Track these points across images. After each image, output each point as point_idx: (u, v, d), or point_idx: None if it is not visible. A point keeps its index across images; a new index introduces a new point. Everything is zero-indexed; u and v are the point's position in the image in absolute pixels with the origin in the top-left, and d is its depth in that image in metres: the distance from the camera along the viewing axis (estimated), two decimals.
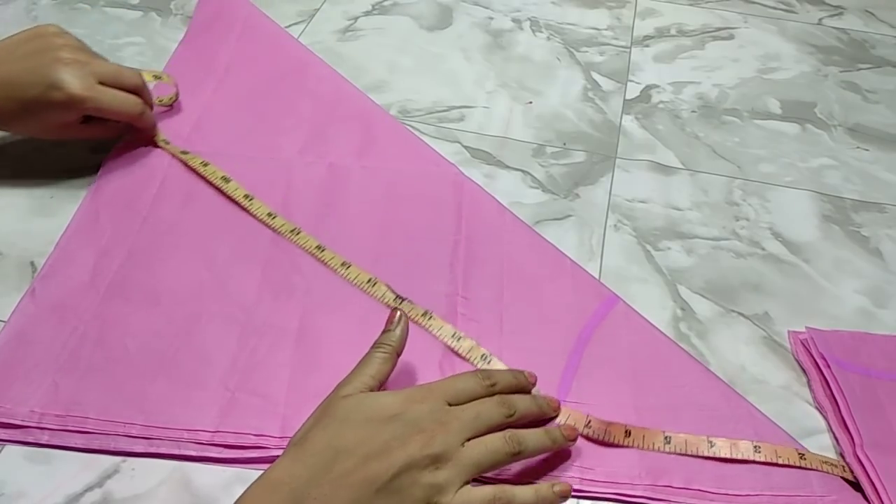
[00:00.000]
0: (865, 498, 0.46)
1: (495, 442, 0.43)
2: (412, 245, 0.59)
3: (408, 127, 0.70)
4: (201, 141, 0.66)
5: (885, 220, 0.64)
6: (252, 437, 0.47)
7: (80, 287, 0.54)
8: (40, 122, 0.59)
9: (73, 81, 0.57)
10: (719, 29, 0.85)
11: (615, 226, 0.63)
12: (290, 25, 0.81)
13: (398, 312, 0.48)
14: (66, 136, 0.61)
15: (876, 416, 0.49)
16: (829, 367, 0.52)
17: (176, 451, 0.46)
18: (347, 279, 0.55)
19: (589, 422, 0.48)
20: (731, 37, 0.84)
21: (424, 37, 0.81)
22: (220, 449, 0.47)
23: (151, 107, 0.64)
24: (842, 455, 0.49)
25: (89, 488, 0.45)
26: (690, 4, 0.88)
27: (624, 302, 0.55)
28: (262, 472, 0.41)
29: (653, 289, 0.58)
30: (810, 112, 0.74)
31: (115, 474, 0.46)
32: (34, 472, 0.46)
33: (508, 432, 0.44)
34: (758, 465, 0.47)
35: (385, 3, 0.85)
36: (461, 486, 0.41)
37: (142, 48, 0.77)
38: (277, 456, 0.43)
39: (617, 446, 0.47)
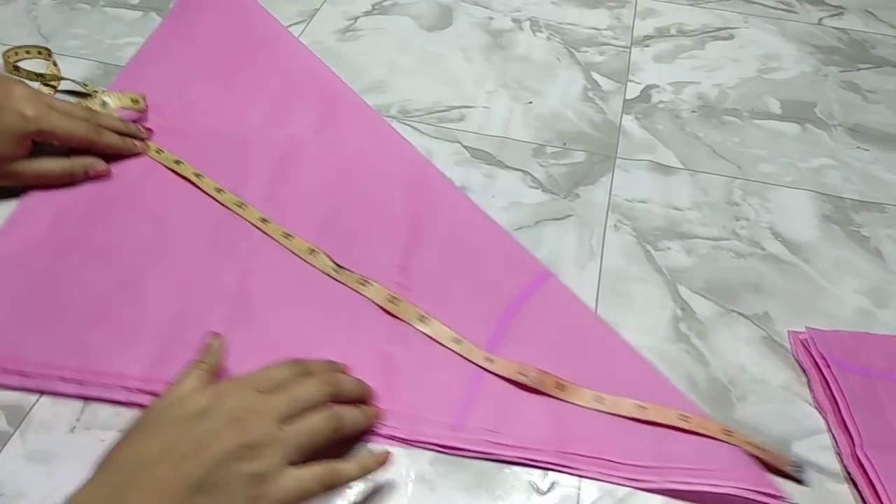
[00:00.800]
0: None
1: (315, 419, 0.42)
2: (358, 217, 0.61)
3: (408, 127, 0.70)
4: (169, 109, 0.69)
5: (885, 220, 0.64)
6: None
7: (35, 242, 0.57)
8: None
9: (26, 105, 0.58)
10: (719, 29, 0.85)
11: (615, 226, 0.63)
12: (290, 25, 0.81)
13: (216, 337, 0.47)
14: (12, 176, 0.59)
15: (876, 416, 0.49)
16: (829, 367, 0.52)
17: (105, 395, 0.49)
18: (289, 249, 0.58)
19: (524, 370, 0.50)
20: (731, 37, 0.84)
21: (424, 37, 0.81)
22: (148, 396, 0.49)
23: (125, 133, 0.64)
24: (839, 454, 0.49)
25: None
26: (690, 4, 0.88)
27: (556, 278, 0.57)
28: None
29: (653, 289, 0.58)
30: (810, 112, 0.74)
31: None
32: (34, 473, 0.46)
33: (329, 410, 0.43)
34: (664, 437, 0.48)
35: (385, 3, 0.85)
36: (284, 469, 0.40)
37: None
38: None
39: (548, 395, 0.50)
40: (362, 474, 0.43)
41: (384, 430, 0.48)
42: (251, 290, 0.55)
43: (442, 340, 0.53)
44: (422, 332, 0.53)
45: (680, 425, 0.48)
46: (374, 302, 0.54)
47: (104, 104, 0.66)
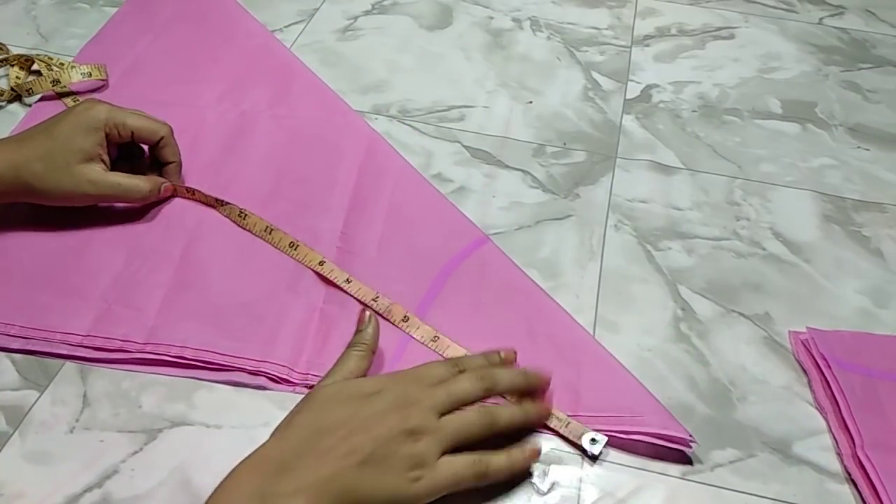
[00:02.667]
0: None
1: (470, 415, 0.46)
2: (305, 187, 0.63)
3: (408, 127, 0.70)
4: (127, 86, 0.71)
5: (885, 219, 0.64)
6: (118, 341, 0.52)
7: None
8: (64, 153, 0.56)
9: (98, 104, 0.58)
10: (720, 28, 0.84)
11: (615, 226, 0.62)
12: (289, 25, 0.81)
13: (367, 312, 0.51)
14: (82, 183, 0.57)
15: (876, 417, 0.49)
16: (829, 367, 0.52)
17: (48, 350, 0.52)
18: (246, 228, 0.60)
19: (377, 297, 0.55)
20: (731, 36, 0.83)
21: (424, 36, 0.81)
22: (89, 350, 0.52)
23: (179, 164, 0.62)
24: (839, 455, 0.49)
25: (89, 489, 0.45)
26: (691, 4, 0.88)
27: (492, 243, 0.59)
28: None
29: (653, 289, 0.58)
30: (811, 112, 0.74)
31: (115, 475, 0.46)
32: (34, 473, 0.46)
33: (484, 406, 0.47)
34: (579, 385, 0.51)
35: (385, 3, 0.85)
36: (440, 456, 0.44)
37: None
38: (140, 359, 0.51)
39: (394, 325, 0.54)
40: (511, 467, 0.46)
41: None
42: (194, 257, 0.58)
43: (364, 299, 0.55)
44: (347, 292, 0.56)
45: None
46: (303, 263, 0.57)
47: (56, 82, 0.69)
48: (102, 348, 0.52)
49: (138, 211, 0.60)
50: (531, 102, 0.74)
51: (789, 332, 0.56)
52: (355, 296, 0.55)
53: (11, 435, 0.48)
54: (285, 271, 0.57)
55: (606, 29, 0.83)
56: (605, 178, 0.66)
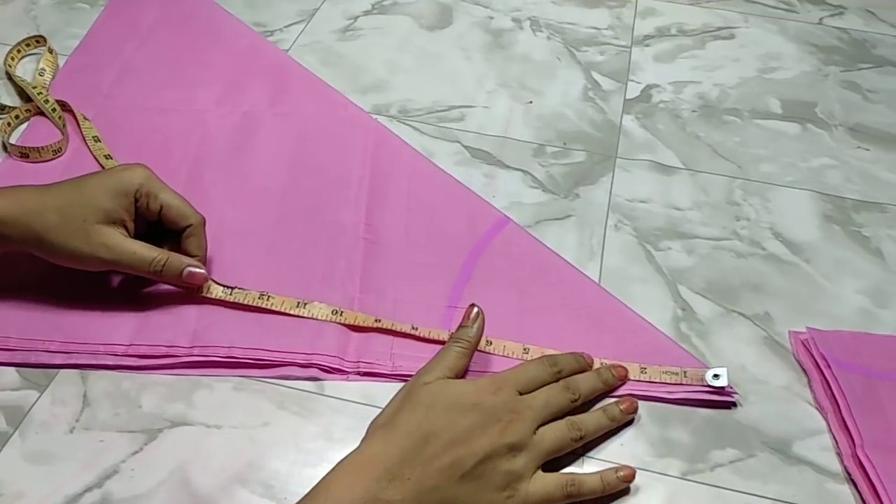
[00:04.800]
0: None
1: (561, 429, 0.47)
2: (319, 182, 0.63)
3: (408, 126, 0.70)
4: (120, 95, 0.70)
5: (885, 219, 0.64)
6: (164, 347, 0.52)
7: None
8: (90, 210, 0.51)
9: (138, 168, 0.53)
10: (720, 28, 0.84)
11: (615, 226, 0.62)
12: (289, 25, 0.81)
13: (475, 309, 0.51)
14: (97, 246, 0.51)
15: (876, 417, 0.49)
16: (829, 367, 0.52)
17: (94, 362, 0.51)
18: (273, 309, 0.54)
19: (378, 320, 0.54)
20: (731, 36, 0.83)
21: (424, 36, 0.81)
22: (135, 359, 0.51)
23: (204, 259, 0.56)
24: (839, 455, 0.49)
25: (89, 488, 0.45)
26: (691, 4, 0.88)
27: (514, 222, 0.60)
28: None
29: (653, 289, 0.58)
30: (811, 112, 0.74)
31: (115, 475, 0.46)
32: (34, 473, 0.46)
33: (571, 419, 0.47)
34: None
35: (385, 3, 0.85)
36: (535, 472, 0.45)
37: None
38: (188, 363, 0.51)
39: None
40: (603, 491, 0.46)
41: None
42: (222, 257, 0.57)
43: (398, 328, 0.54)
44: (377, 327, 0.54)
45: (682, 381, 0.52)
46: (317, 319, 0.54)
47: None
48: (149, 355, 0.52)
49: None
50: (531, 102, 0.74)
51: (789, 332, 0.55)
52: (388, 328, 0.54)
53: (11, 435, 0.48)
54: (317, 266, 0.57)
55: (606, 29, 0.83)
56: (605, 178, 0.66)
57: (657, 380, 0.51)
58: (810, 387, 0.52)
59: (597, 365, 0.52)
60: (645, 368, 0.52)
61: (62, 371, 0.51)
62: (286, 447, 0.48)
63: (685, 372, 0.51)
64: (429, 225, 0.60)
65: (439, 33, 0.82)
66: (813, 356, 0.53)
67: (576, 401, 0.48)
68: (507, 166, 0.67)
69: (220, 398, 0.50)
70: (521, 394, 0.47)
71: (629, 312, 0.55)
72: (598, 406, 0.50)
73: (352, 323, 0.53)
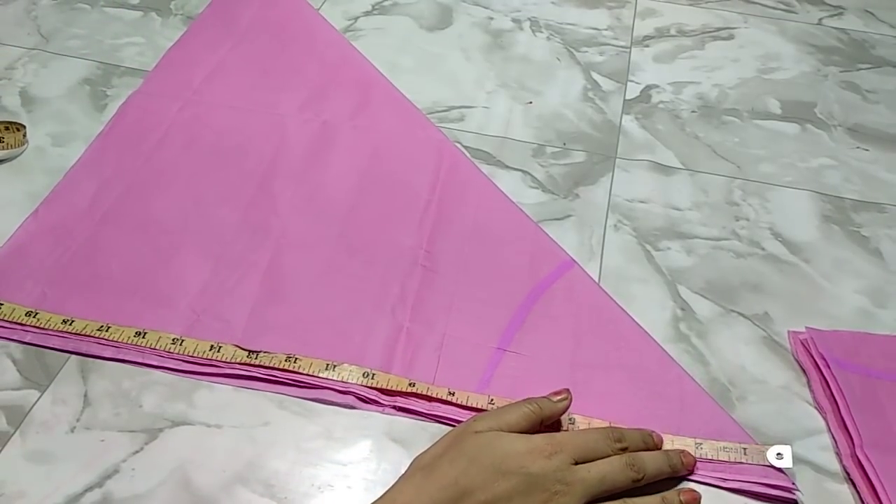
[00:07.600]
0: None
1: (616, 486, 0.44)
2: (386, 199, 0.63)
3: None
4: (209, 91, 0.72)
5: (884, 220, 0.64)
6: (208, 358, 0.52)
7: (78, 212, 0.60)
8: None
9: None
10: (719, 29, 0.85)
11: (615, 226, 0.63)
12: None
13: (568, 393, 0.48)
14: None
15: (876, 416, 0.49)
16: (828, 367, 0.52)
17: (139, 359, 0.51)
18: (300, 371, 0.51)
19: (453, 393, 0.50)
20: (731, 37, 0.83)
21: (424, 37, 0.81)
22: (178, 361, 0.51)
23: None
24: (839, 455, 0.49)
25: (89, 488, 0.45)
26: (690, 4, 0.88)
27: (579, 266, 0.58)
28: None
29: (653, 289, 0.58)
30: (810, 112, 0.74)
31: (115, 474, 0.46)
32: (34, 472, 0.46)
33: (627, 501, 0.44)
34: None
35: (385, 3, 0.85)
36: None
37: (142, 48, 0.77)
38: (226, 375, 0.51)
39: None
40: None
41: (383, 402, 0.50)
42: (281, 267, 0.57)
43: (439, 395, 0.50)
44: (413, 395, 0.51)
45: (742, 459, 0.48)
46: (347, 382, 0.51)
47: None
48: (192, 360, 0.51)
49: (223, 216, 0.60)
50: (531, 103, 0.74)
51: (788, 332, 0.56)
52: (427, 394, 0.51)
53: (12, 434, 0.48)
54: (371, 287, 0.56)
55: (606, 29, 0.83)
56: (604, 178, 0.67)
57: (713, 457, 0.47)
58: (809, 387, 0.53)
59: (667, 446, 0.47)
60: (701, 444, 0.48)
61: (63, 370, 0.51)
62: (286, 447, 0.48)
63: (745, 449, 0.47)
64: (490, 260, 0.58)
65: (439, 34, 0.82)
66: (812, 356, 0.53)
67: (639, 480, 0.44)
68: (507, 166, 0.67)
69: (221, 398, 0.50)
70: (576, 463, 0.44)
71: (690, 381, 0.51)
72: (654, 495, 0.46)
73: (384, 387, 0.50)
